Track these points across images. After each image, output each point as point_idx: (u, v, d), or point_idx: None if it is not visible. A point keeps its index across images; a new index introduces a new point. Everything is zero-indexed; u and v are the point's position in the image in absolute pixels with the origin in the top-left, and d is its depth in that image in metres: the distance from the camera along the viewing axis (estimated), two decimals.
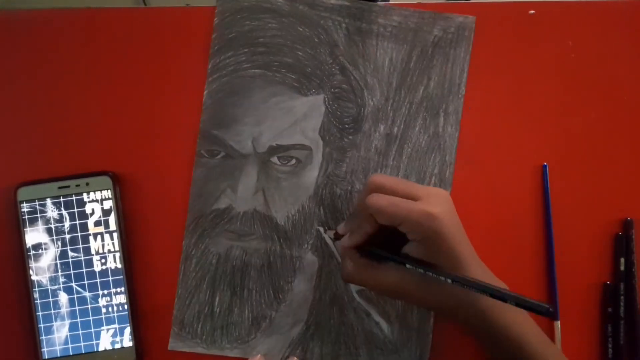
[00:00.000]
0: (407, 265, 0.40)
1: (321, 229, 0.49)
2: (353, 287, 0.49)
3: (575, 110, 0.50)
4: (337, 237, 0.47)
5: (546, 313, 0.33)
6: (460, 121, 0.49)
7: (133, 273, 0.49)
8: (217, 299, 0.49)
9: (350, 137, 0.50)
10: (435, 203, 0.39)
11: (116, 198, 0.48)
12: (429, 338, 0.48)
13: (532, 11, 0.50)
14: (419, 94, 0.50)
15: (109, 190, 0.48)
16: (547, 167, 0.49)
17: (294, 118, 0.49)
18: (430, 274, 0.38)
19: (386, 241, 0.42)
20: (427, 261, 0.40)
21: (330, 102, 0.50)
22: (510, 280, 0.42)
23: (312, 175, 0.49)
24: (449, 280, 0.37)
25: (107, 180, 0.48)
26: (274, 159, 0.49)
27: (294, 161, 0.49)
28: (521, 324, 0.40)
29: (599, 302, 0.48)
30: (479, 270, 0.40)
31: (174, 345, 0.48)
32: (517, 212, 0.49)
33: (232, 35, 0.50)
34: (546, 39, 0.50)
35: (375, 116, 0.50)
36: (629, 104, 0.50)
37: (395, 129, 0.49)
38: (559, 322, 0.48)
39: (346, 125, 0.50)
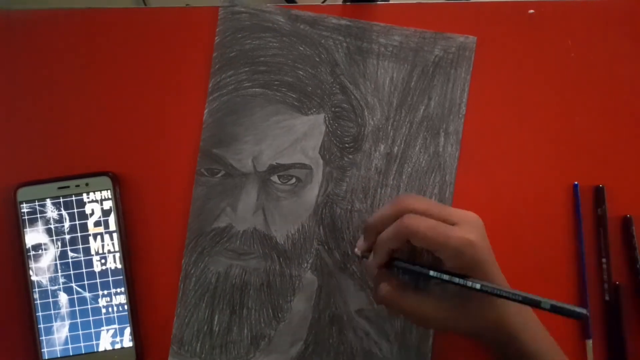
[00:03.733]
0: (434, 274, 0.38)
1: (356, 252, 0.45)
2: (352, 307, 0.49)
3: (575, 110, 0.50)
4: (365, 255, 0.44)
5: (582, 317, 0.33)
6: (461, 141, 0.50)
7: (133, 273, 0.49)
8: (216, 317, 0.49)
9: (350, 156, 0.50)
10: (471, 229, 0.38)
11: (116, 198, 0.48)
12: (428, 358, 0.48)
13: (532, 11, 0.50)
14: (420, 113, 0.50)
15: (109, 191, 0.48)
16: (578, 186, 0.49)
17: (295, 137, 0.49)
18: (471, 285, 0.37)
19: (410, 258, 0.41)
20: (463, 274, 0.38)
21: (331, 122, 0.50)
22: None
23: (312, 194, 0.49)
24: (477, 287, 0.37)
25: (107, 180, 0.48)
26: (274, 178, 0.49)
27: (294, 180, 0.49)
28: (540, 338, 0.40)
29: (594, 305, 0.48)
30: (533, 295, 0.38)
31: None
32: (525, 225, 0.49)
33: (233, 54, 0.50)
34: (545, 38, 0.50)
35: (375, 135, 0.50)
36: (629, 103, 0.50)
37: (396, 148, 0.50)
38: (591, 340, 0.48)
39: (346, 145, 0.50)
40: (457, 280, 0.38)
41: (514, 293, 0.36)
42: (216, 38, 0.50)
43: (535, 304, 0.35)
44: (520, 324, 0.40)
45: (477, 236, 0.38)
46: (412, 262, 0.41)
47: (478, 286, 0.37)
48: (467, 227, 0.38)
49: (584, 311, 0.33)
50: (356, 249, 0.45)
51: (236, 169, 0.49)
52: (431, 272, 0.39)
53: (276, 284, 0.49)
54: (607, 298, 0.48)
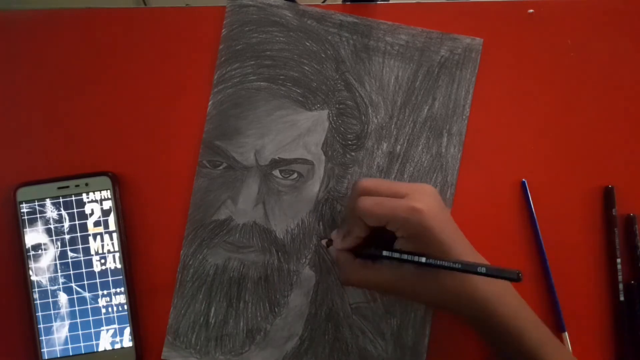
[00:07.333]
0: (384, 253, 0.41)
1: (322, 242, 0.49)
2: (349, 304, 0.49)
3: (576, 110, 0.50)
4: (330, 244, 0.47)
5: (515, 279, 0.34)
6: (464, 142, 0.50)
7: (133, 273, 0.49)
8: (212, 309, 0.49)
9: (352, 153, 0.50)
10: (419, 198, 0.40)
11: (115, 198, 0.48)
12: (423, 357, 0.48)
13: (531, 10, 0.50)
14: (424, 113, 0.50)
15: (109, 191, 0.48)
16: (526, 183, 0.49)
17: (298, 132, 0.49)
18: (406, 257, 0.39)
19: (378, 242, 0.42)
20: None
21: (335, 118, 0.50)
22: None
23: (313, 190, 0.49)
24: (422, 261, 0.39)
25: (106, 180, 0.48)
26: (276, 172, 0.49)
27: (295, 175, 0.49)
28: (521, 315, 0.41)
29: (607, 305, 0.49)
30: (473, 261, 0.40)
31: (167, 354, 0.48)
32: (521, 226, 0.49)
33: (239, 47, 0.50)
34: (545, 37, 0.50)
35: (378, 134, 0.50)
36: (629, 102, 0.50)
37: (398, 147, 0.50)
38: (566, 332, 0.48)
39: (349, 142, 0.50)
40: (405, 257, 0.39)
41: (453, 263, 0.37)
42: (223, 30, 0.50)
43: (472, 270, 0.36)
44: (495, 298, 0.40)
45: (424, 204, 0.39)
46: (370, 246, 0.43)
47: (423, 260, 0.39)
48: (415, 196, 0.40)
49: (516, 272, 0.34)
50: (323, 241, 0.49)
51: (238, 162, 0.49)
52: (384, 252, 0.41)
53: (274, 279, 0.49)
54: (622, 298, 0.48)
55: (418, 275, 0.40)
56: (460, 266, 0.37)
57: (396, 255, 0.40)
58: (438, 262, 0.38)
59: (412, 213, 0.39)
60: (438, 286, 0.40)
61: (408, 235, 0.40)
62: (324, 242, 0.49)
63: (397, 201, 0.40)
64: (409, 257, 0.39)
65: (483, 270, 0.36)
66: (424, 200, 0.40)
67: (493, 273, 0.36)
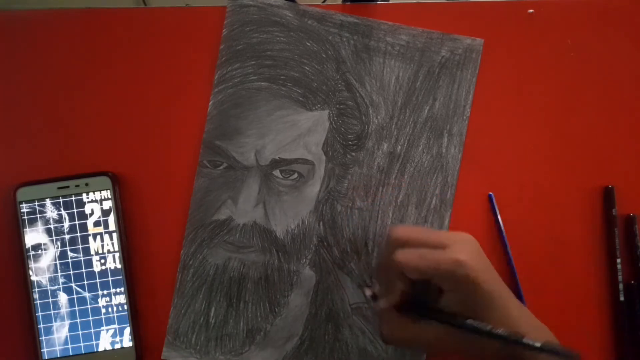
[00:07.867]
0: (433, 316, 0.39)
1: (366, 293, 0.48)
2: (349, 304, 0.49)
3: (575, 110, 0.50)
4: (375, 297, 0.45)
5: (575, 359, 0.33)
6: (464, 143, 0.50)
7: (133, 273, 0.49)
8: (212, 309, 0.49)
9: (353, 153, 0.50)
10: (461, 249, 0.38)
11: (115, 198, 0.48)
12: (423, 357, 0.48)
13: (531, 10, 0.50)
14: (424, 113, 0.50)
15: (109, 191, 0.48)
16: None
17: (298, 132, 0.49)
18: (468, 327, 0.37)
19: (421, 293, 0.41)
20: (464, 313, 0.38)
21: (335, 118, 0.50)
22: None
23: (313, 190, 0.49)
24: (473, 326, 0.37)
25: (106, 180, 0.48)
26: (276, 172, 0.49)
27: (295, 175, 0.49)
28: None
29: (607, 305, 0.49)
30: (515, 311, 0.39)
31: (167, 354, 0.48)
32: (528, 228, 0.49)
33: (240, 47, 0.50)
34: (545, 37, 0.51)
35: (379, 134, 0.50)
36: (629, 102, 0.50)
37: (399, 147, 0.50)
38: None
39: (350, 142, 0.50)
40: (456, 322, 0.38)
41: (505, 333, 0.36)
42: (223, 30, 0.50)
43: (530, 346, 0.35)
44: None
45: (467, 255, 0.38)
46: (422, 302, 0.41)
47: (475, 324, 0.37)
48: (457, 247, 0.39)
49: (577, 355, 0.33)
50: (367, 290, 0.46)
51: (238, 162, 0.49)
52: (433, 315, 0.39)
53: (274, 279, 0.49)
54: (622, 298, 0.48)
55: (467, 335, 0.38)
56: (516, 339, 0.35)
57: (445, 318, 0.39)
58: (495, 331, 0.36)
59: (456, 266, 0.37)
60: (491, 346, 0.38)
61: (453, 289, 0.38)
62: (368, 294, 0.46)
63: (439, 253, 0.38)
64: (460, 322, 0.38)
65: (538, 345, 0.34)
66: (465, 250, 0.38)
67: (550, 349, 0.34)
